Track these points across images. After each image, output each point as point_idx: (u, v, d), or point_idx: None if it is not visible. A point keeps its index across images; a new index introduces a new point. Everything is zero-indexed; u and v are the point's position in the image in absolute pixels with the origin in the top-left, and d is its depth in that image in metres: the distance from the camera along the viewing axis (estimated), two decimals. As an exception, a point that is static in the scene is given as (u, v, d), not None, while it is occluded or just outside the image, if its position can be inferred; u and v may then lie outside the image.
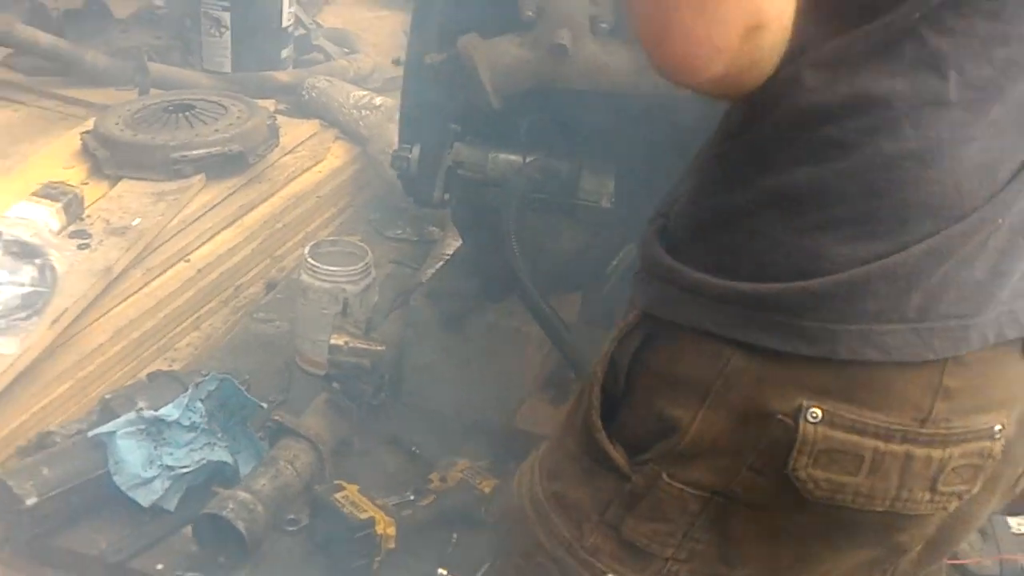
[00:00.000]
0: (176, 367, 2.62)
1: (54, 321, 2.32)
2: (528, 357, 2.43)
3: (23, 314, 2.31)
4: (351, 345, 2.23)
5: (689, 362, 0.95)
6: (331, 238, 2.78)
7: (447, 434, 2.46)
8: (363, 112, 3.51)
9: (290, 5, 3.97)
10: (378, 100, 3.55)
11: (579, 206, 2.17)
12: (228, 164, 3.05)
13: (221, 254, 2.88)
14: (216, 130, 3.08)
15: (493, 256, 2.36)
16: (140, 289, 2.66)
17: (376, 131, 3.47)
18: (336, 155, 3.46)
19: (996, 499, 1.01)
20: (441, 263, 2.83)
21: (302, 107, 3.63)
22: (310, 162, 3.35)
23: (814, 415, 0.88)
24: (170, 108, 3.18)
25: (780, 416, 0.89)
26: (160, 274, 2.72)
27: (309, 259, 2.57)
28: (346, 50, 4.28)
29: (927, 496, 0.92)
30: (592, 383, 1.02)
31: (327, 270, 2.55)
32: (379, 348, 2.25)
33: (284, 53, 3.99)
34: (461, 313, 2.43)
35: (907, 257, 0.86)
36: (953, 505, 0.94)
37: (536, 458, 1.13)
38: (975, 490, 0.94)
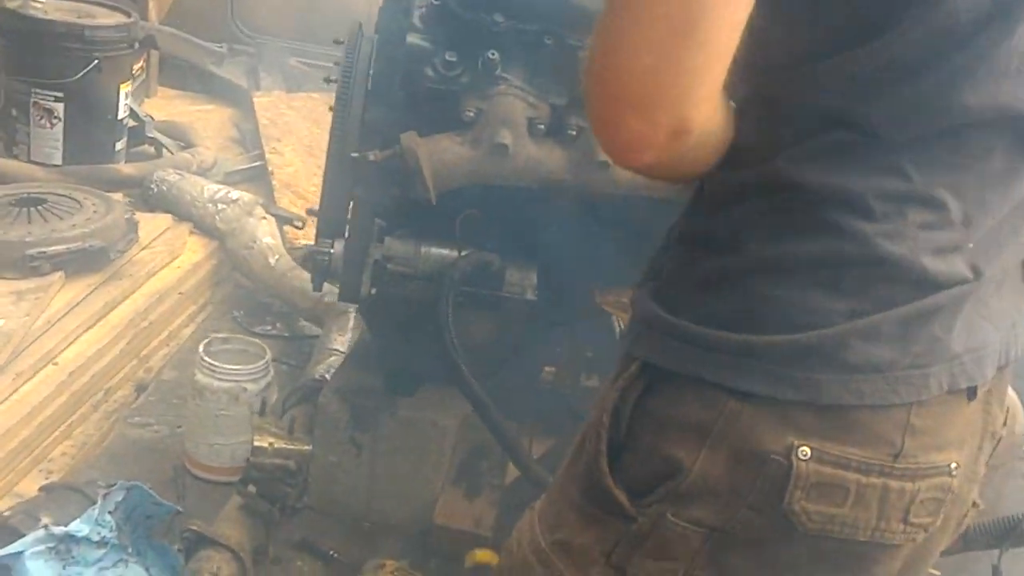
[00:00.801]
0: (52, 478, 2.43)
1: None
2: (443, 450, 2.43)
3: None
4: (276, 446, 2.16)
5: (689, 407, 1.04)
6: (222, 335, 2.67)
7: (362, 536, 2.41)
8: (219, 206, 3.43)
9: (126, 97, 3.83)
10: (235, 194, 3.47)
11: (503, 298, 2.23)
12: (88, 260, 2.89)
13: (89, 355, 2.71)
14: (73, 225, 2.92)
15: (408, 349, 2.38)
16: (10, 396, 2.46)
17: (235, 225, 3.39)
18: (193, 250, 3.35)
19: (948, 535, 1.15)
20: (333, 358, 2.80)
21: (148, 201, 3.49)
22: (168, 257, 3.22)
23: (804, 453, 0.99)
24: (18, 202, 2.98)
25: (774, 455, 0.99)
26: (30, 378, 2.53)
27: (205, 358, 2.47)
28: (180, 143, 4.16)
29: (901, 527, 1.04)
30: (598, 431, 1.08)
31: (226, 369, 2.46)
32: (306, 448, 2.19)
33: (118, 146, 3.83)
34: (372, 409, 2.41)
35: (883, 319, 0.99)
36: (921, 537, 1.07)
37: (534, 514, 1.18)
38: (938, 523, 1.07)
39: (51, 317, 2.70)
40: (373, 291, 2.21)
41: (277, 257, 3.26)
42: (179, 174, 3.52)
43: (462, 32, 2.02)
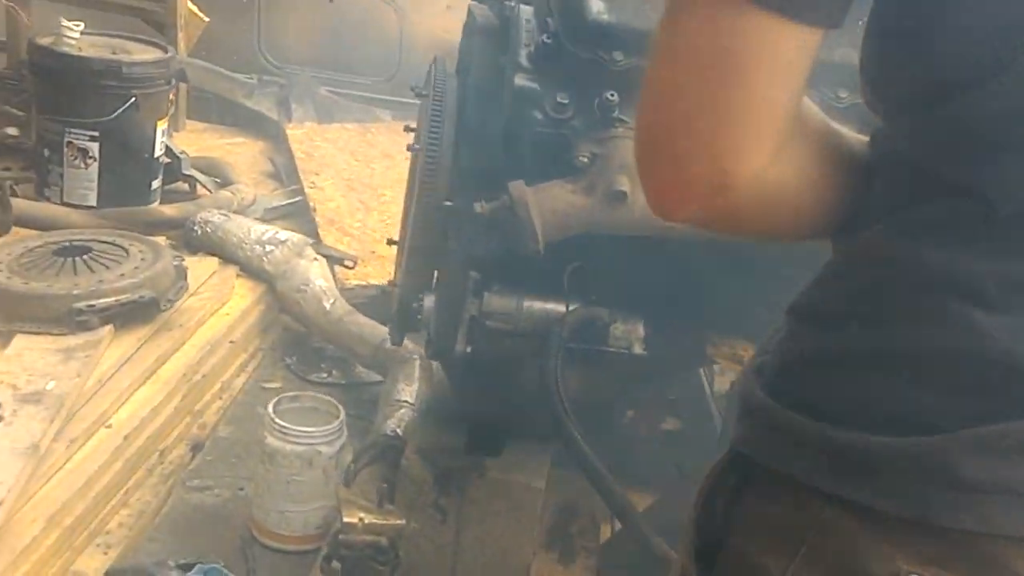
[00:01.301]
0: (111, 554, 2.25)
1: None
2: (535, 513, 2.25)
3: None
4: (367, 521, 1.98)
5: (782, 509, 0.87)
6: (290, 394, 2.49)
7: (451, 608, 2.23)
8: (268, 247, 3.25)
9: (163, 134, 3.67)
10: (283, 234, 3.30)
11: (608, 354, 2.05)
12: (137, 312, 2.71)
13: (143, 416, 2.53)
14: (122, 275, 2.74)
15: (498, 407, 2.20)
16: (64, 464, 2.27)
17: (285, 267, 3.22)
18: (241, 294, 3.17)
19: None
20: (402, 410, 2.62)
21: (191, 243, 3.31)
22: (217, 304, 3.04)
23: None
24: (60, 251, 2.81)
25: None
26: (83, 444, 2.34)
27: (276, 419, 2.29)
28: (216, 180, 4.00)
29: None
30: (689, 523, 0.95)
31: (299, 431, 2.28)
32: (399, 522, 2.01)
33: (154, 184, 3.67)
34: (458, 471, 2.23)
35: (1009, 428, 0.79)
36: None
37: None
38: None
39: (102, 376, 2.52)
40: (468, 349, 2.03)
41: (332, 300, 3.09)
42: (224, 215, 3.34)
43: (577, 72, 1.85)
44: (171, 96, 3.78)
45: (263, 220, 3.83)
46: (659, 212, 0.87)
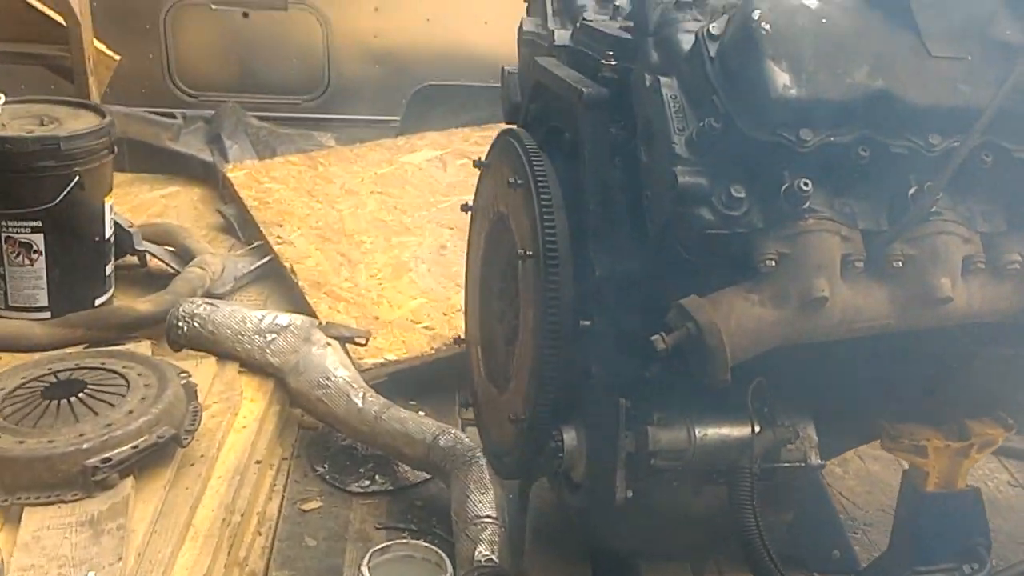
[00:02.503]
0: None
1: None
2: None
3: None
4: None
5: None
6: (381, 545, 2.10)
7: None
8: (269, 337, 2.82)
9: (111, 211, 3.17)
10: (283, 318, 2.87)
11: (783, 470, 1.75)
12: (158, 454, 2.28)
13: (192, 588, 2.11)
14: (130, 412, 2.29)
15: (637, 537, 1.89)
16: None
17: (293, 358, 2.80)
18: (251, 398, 2.74)
19: None
20: (489, 529, 2.26)
21: (177, 341, 2.85)
22: (230, 415, 2.61)
23: None
24: (48, 391, 2.34)
25: None
26: (141, 645, 1.93)
27: (376, 584, 1.92)
28: (170, 248, 3.51)
29: None
30: None
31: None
32: None
33: (108, 270, 3.18)
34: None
35: None
36: None
37: None
38: None
39: (139, 546, 2.09)
40: (630, 493, 1.69)
41: (362, 394, 2.69)
42: (210, 303, 2.89)
43: (753, 158, 1.52)
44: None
45: (233, 291, 3.40)
46: None
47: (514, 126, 2.22)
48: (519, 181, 1.88)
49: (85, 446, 2.18)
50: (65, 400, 2.31)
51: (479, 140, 4.43)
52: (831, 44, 1.55)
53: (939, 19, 1.56)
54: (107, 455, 2.18)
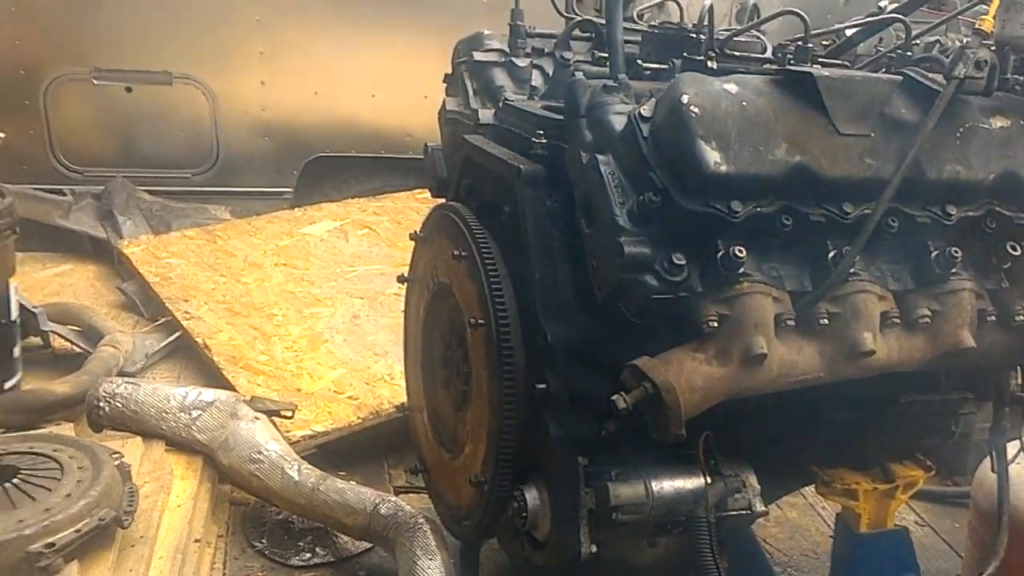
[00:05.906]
0: None
1: None
2: None
3: None
4: None
5: None
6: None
7: None
8: (194, 413, 2.83)
9: (15, 292, 3.13)
10: (207, 394, 2.89)
11: (726, 519, 1.90)
12: (98, 537, 2.27)
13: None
14: (68, 495, 2.28)
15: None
16: None
17: (220, 434, 2.81)
18: (181, 475, 2.74)
19: None
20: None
21: (98, 422, 2.83)
22: (163, 494, 2.61)
23: None
24: (-20, 480, 2.31)
25: None
26: None
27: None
28: (75, 328, 3.47)
29: None
30: None
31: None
32: None
33: (16, 352, 3.13)
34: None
35: None
36: None
37: None
38: None
39: (90, 634, 2.08)
40: (593, 548, 1.80)
41: (296, 466, 2.72)
42: (131, 383, 2.88)
43: (689, 228, 1.67)
44: (14, 245, 3.25)
45: (144, 368, 3.39)
46: None
47: (445, 200, 2.34)
48: (463, 253, 1.99)
49: (27, 532, 2.15)
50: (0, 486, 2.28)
51: (376, 210, 4.54)
52: (753, 124, 1.72)
53: (844, 100, 1.76)
54: (50, 540, 2.16)
